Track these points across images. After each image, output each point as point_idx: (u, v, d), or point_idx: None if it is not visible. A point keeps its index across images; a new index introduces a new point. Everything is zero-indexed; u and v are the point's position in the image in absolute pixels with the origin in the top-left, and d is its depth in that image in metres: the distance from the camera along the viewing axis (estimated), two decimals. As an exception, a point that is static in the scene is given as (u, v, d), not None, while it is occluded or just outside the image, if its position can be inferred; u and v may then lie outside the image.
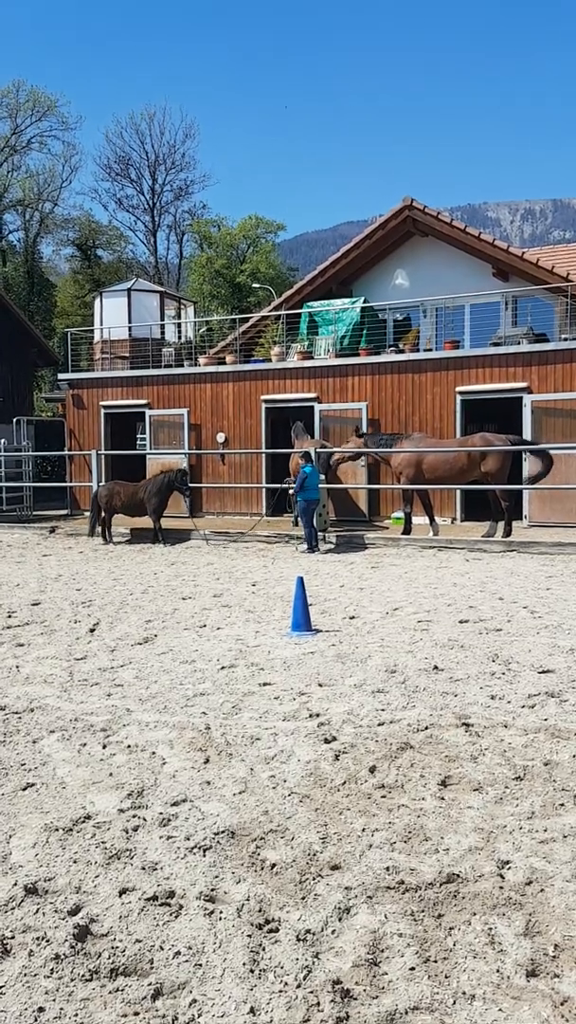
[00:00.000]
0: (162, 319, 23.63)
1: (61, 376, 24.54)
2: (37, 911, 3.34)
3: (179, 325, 24.91)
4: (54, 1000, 2.82)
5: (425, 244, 22.65)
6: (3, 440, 23.58)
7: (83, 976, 2.95)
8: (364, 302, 21.04)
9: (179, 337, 24.65)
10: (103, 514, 17.37)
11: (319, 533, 15.83)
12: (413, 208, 21.40)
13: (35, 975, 2.95)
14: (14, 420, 25.23)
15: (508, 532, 15.24)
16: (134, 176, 54.65)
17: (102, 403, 22.37)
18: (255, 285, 48.12)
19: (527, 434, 17.38)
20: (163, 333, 23.65)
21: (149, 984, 2.89)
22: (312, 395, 19.68)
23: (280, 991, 2.84)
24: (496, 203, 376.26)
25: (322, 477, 16.65)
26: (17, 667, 7.16)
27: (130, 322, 22.87)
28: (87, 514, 17.86)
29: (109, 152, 58.47)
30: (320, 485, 16.06)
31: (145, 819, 4.14)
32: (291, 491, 16.19)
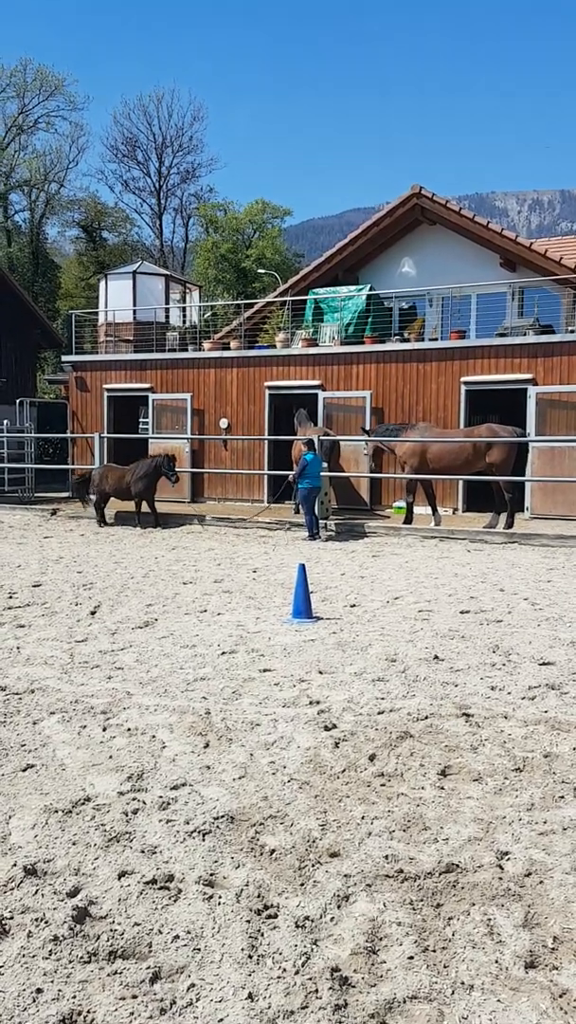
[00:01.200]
0: (167, 303, 23.54)
1: (65, 358, 24.47)
2: (36, 892, 3.34)
3: (184, 309, 24.82)
4: (52, 981, 2.82)
5: (432, 233, 22.54)
6: (5, 421, 23.53)
7: (81, 958, 2.95)
8: (370, 290, 20.96)
9: (184, 321, 24.56)
10: (98, 496, 17.46)
11: (320, 521, 15.81)
12: (421, 196, 21.28)
13: (34, 956, 2.95)
14: (17, 401, 25.18)
15: (510, 524, 15.22)
16: (141, 158, 54.40)
17: (105, 386, 22.32)
18: (261, 270, 47.91)
19: (531, 426, 17.35)
20: (168, 317, 23.57)
21: (147, 967, 2.89)
22: (316, 382, 19.62)
23: (279, 977, 2.84)
24: (504, 193, 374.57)
25: (324, 465, 16.61)
26: (18, 648, 7.15)
27: (135, 305, 22.79)
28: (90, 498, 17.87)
29: (116, 133, 58.19)
30: (322, 473, 16.03)
31: (145, 802, 4.14)
32: (290, 478, 16.17)
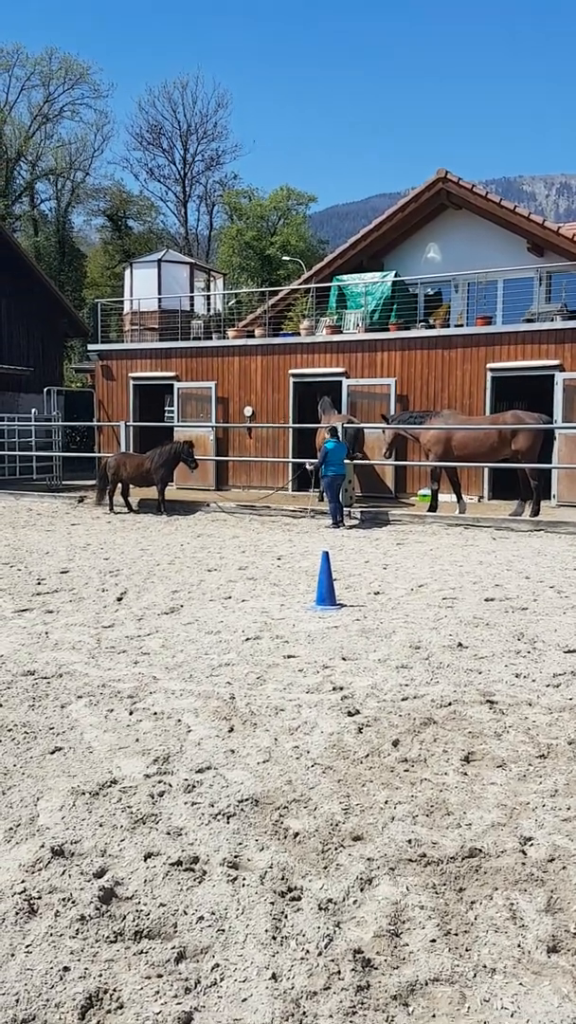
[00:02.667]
0: (192, 291, 23.55)
1: (91, 347, 24.60)
2: (63, 873, 3.40)
3: (208, 297, 24.83)
4: (79, 960, 2.87)
5: (458, 218, 22.34)
6: (33, 410, 23.74)
7: (108, 938, 3.00)
8: (395, 276, 20.83)
9: (208, 309, 24.58)
10: (110, 484, 17.62)
11: (344, 509, 15.81)
12: (447, 181, 21.09)
13: (61, 935, 3.00)
14: (44, 390, 25.36)
15: (536, 511, 15.13)
16: (166, 146, 54.35)
17: (131, 375, 22.41)
18: (285, 258, 47.76)
19: (558, 412, 17.20)
20: (192, 305, 23.59)
21: (173, 947, 2.93)
22: (340, 370, 19.57)
23: (302, 958, 2.87)
24: (532, 176, 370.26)
25: (349, 452, 16.58)
26: (46, 633, 7.24)
27: (160, 293, 22.82)
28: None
29: (141, 121, 58.22)
30: (346, 461, 16.02)
31: (170, 785, 4.18)
32: (309, 466, 16.23)
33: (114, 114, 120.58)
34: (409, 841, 3.61)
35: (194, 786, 4.17)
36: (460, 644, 6.83)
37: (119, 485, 17.74)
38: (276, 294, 24.84)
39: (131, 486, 17.93)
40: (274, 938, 2.98)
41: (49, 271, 42.06)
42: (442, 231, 22.72)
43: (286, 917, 3.11)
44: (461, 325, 19.93)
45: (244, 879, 3.35)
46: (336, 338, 19.68)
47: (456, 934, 3.02)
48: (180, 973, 2.81)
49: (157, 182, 55.86)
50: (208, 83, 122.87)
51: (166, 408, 25.62)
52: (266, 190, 58.33)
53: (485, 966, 2.84)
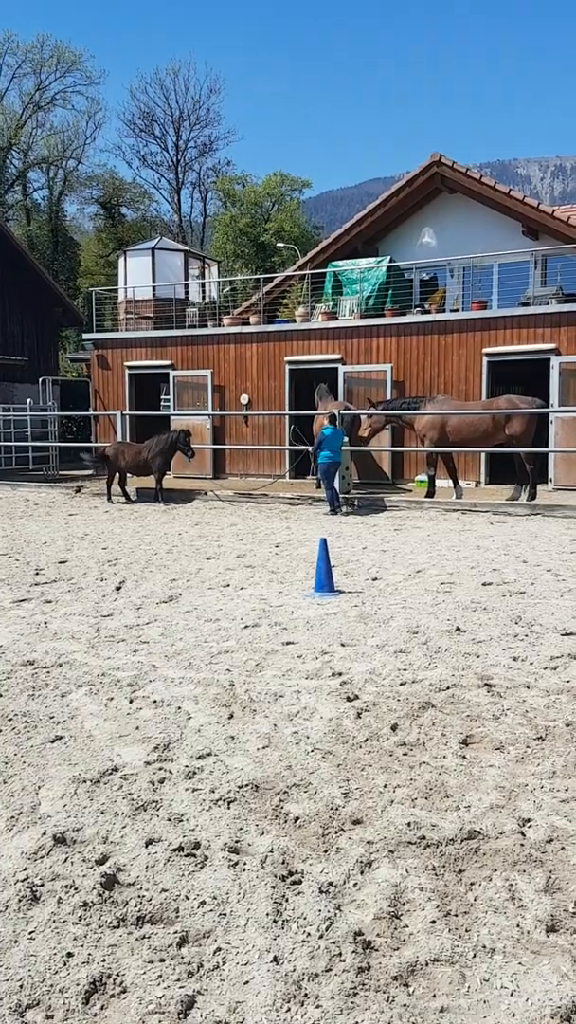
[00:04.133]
0: (186, 279, 23.48)
1: (86, 336, 24.54)
2: (66, 860, 3.42)
3: (203, 285, 24.74)
4: (82, 946, 2.89)
5: (453, 202, 22.26)
6: (29, 400, 23.68)
7: (110, 923, 3.02)
8: (390, 261, 20.76)
9: (203, 297, 24.49)
10: (108, 473, 17.65)
11: (342, 495, 15.83)
12: (441, 164, 21.00)
13: (64, 922, 3.02)
14: (40, 380, 25.29)
15: (533, 495, 15.15)
16: (158, 132, 54.09)
17: (126, 363, 22.36)
18: (279, 244, 47.60)
19: (554, 396, 17.19)
20: (187, 293, 23.51)
21: (175, 932, 2.95)
22: (336, 356, 19.54)
23: (303, 941, 2.90)
24: (526, 159, 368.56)
25: (345, 439, 16.59)
26: (45, 623, 7.25)
27: (154, 282, 22.74)
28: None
29: (133, 108, 57.76)
30: (344, 447, 16.05)
31: (171, 772, 4.21)
32: (309, 450, 16.29)
33: (106, 101, 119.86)
34: (408, 824, 3.64)
35: (194, 772, 4.20)
36: (458, 628, 6.86)
37: (117, 474, 17.74)
38: (271, 281, 24.77)
39: (128, 475, 17.93)
40: (275, 921, 3.00)
41: (42, 260, 41.90)
42: (437, 215, 22.64)
43: (287, 901, 3.13)
44: (457, 310, 19.89)
45: (245, 864, 3.37)
46: (332, 324, 19.64)
47: (456, 915, 3.05)
48: (182, 957, 2.83)
49: (150, 169, 55.72)
50: (200, 69, 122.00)
51: (162, 397, 25.57)
52: (260, 176, 58.16)
53: (485, 946, 2.87)
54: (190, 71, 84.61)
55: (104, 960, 2.82)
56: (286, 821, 3.71)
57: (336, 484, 15.50)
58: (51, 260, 46.47)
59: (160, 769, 4.25)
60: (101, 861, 3.40)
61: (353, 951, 2.83)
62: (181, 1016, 2.56)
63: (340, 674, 5.75)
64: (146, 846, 3.52)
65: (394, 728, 4.75)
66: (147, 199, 55.55)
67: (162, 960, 2.82)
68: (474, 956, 2.82)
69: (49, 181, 51.06)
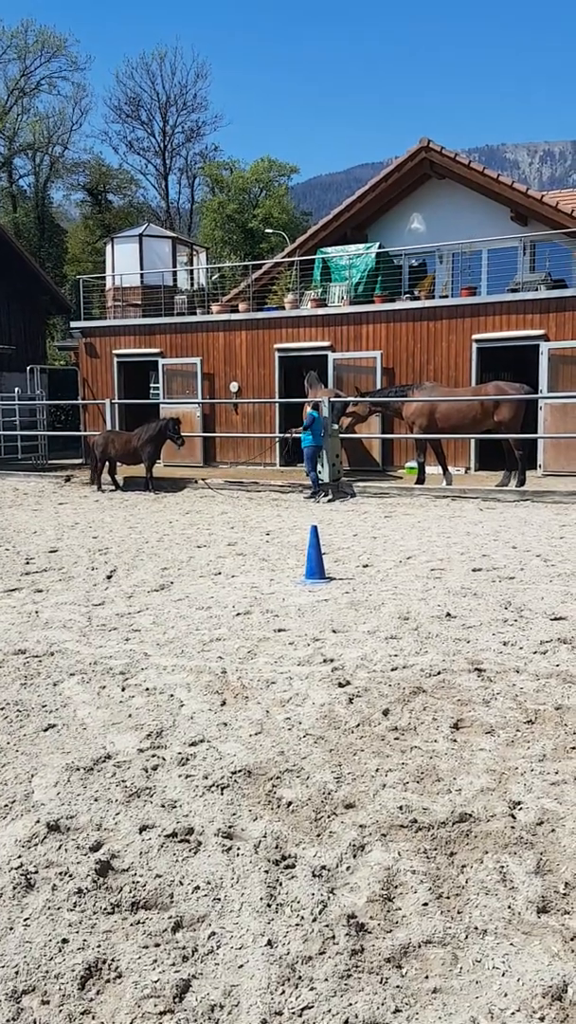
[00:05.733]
0: (174, 266, 23.36)
1: (73, 324, 24.39)
2: (60, 847, 3.43)
3: (191, 272, 24.63)
4: (77, 932, 2.91)
5: (442, 187, 22.21)
6: (17, 389, 23.57)
7: (105, 909, 3.04)
8: (379, 248, 20.72)
9: (191, 284, 24.38)
10: (99, 462, 17.61)
11: (332, 482, 15.91)
12: (430, 149, 20.94)
13: (59, 908, 3.04)
14: (27, 369, 25.18)
15: (522, 481, 15.19)
16: (145, 118, 53.60)
17: (115, 352, 22.26)
18: (268, 230, 47.38)
19: (543, 382, 17.22)
20: (175, 280, 23.40)
21: (169, 917, 2.98)
22: (326, 343, 19.51)
23: (297, 924, 2.92)
24: (514, 145, 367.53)
25: (335, 427, 16.62)
26: (36, 612, 7.25)
27: (142, 269, 22.62)
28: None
29: (119, 93, 57.19)
30: (334, 435, 16.15)
31: (164, 759, 4.22)
32: (293, 431, 16.48)
33: (92, 87, 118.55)
34: (400, 808, 3.67)
35: (187, 759, 4.21)
36: (448, 614, 6.89)
37: (107, 463, 17.71)
38: (260, 268, 24.67)
39: (118, 464, 17.89)
40: (269, 905, 3.03)
41: (29, 248, 41.58)
42: (426, 201, 22.59)
43: (280, 885, 3.16)
44: (446, 296, 19.89)
45: (238, 849, 3.39)
46: (321, 312, 19.60)
47: (448, 897, 3.08)
48: (177, 942, 2.85)
49: (137, 155, 55.24)
50: (187, 54, 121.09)
51: (151, 385, 25.49)
52: (247, 161, 57.74)
53: (476, 928, 2.90)
54: (177, 56, 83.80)
55: (99, 946, 2.84)
56: (279, 806, 3.73)
57: (325, 471, 15.72)
58: (38, 247, 46.13)
59: (153, 756, 4.26)
60: (95, 848, 3.42)
61: (346, 934, 2.85)
62: (176, 1000, 2.58)
63: (332, 660, 5.77)
64: (140, 832, 3.53)
65: (386, 713, 4.77)
66: (134, 185, 55.20)
67: (157, 945, 2.84)
68: (466, 937, 2.85)
69: (35, 168, 50.64)
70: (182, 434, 17.42)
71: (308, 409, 16.12)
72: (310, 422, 15.42)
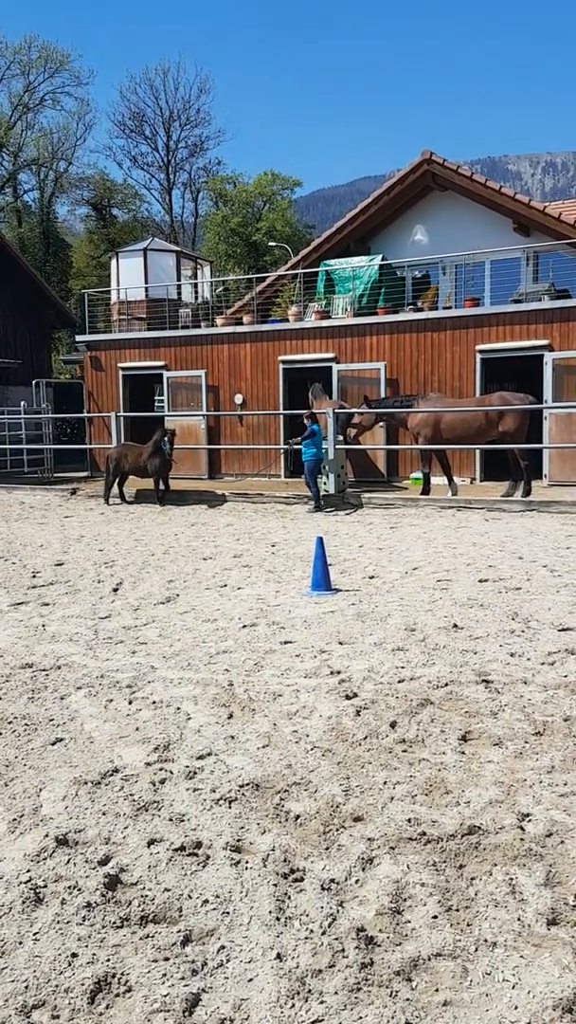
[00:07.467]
0: (178, 279, 23.46)
1: (79, 338, 24.49)
2: (68, 861, 3.43)
3: (196, 285, 24.73)
4: (86, 946, 2.91)
5: (444, 199, 22.30)
6: (23, 402, 23.66)
7: (114, 923, 3.04)
8: (382, 259, 20.79)
9: (196, 297, 24.48)
10: (113, 476, 17.64)
11: (339, 493, 15.97)
12: (432, 162, 21.03)
13: (68, 922, 3.04)
14: (33, 382, 25.25)
15: (528, 491, 15.18)
16: (148, 133, 53.92)
17: (120, 365, 22.34)
18: (271, 243, 47.57)
19: (548, 392, 17.23)
20: (180, 293, 23.50)
21: (178, 931, 2.97)
22: (330, 355, 19.56)
23: (306, 938, 2.92)
24: (517, 156, 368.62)
25: (340, 438, 16.66)
26: (43, 626, 7.26)
27: (147, 282, 22.72)
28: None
29: (123, 108, 57.55)
30: (338, 446, 16.19)
31: (172, 772, 4.22)
32: (292, 443, 16.53)
33: (95, 102, 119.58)
34: (409, 820, 3.66)
35: (195, 772, 4.21)
36: (455, 625, 6.88)
37: (119, 476, 17.77)
38: (263, 280, 24.77)
39: (129, 477, 17.94)
40: (278, 919, 3.02)
41: (34, 262, 41.81)
42: (428, 213, 22.68)
43: (289, 898, 3.15)
44: (449, 307, 19.93)
45: (247, 862, 3.39)
46: (325, 323, 19.65)
47: (457, 910, 3.07)
48: (186, 956, 2.85)
49: (141, 170, 55.52)
50: (190, 69, 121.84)
51: (156, 398, 25.55)
52: (251, 175, 58.09)
53: (486, 940, 2.89)
54: (180, 71, 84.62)
55: (108, 960, 2.84)
56: (287, 819, 3.73)
57: (330, 482, 15.78)
58: (43, 262, 46.36)
59: (161, 769, 4.26)
60: (104, 862, 3.42)
61: (356, 947, 2.85)
62: (186, 1014, 2.58)
63: (339, 672, 5.77)
64: (148, 846, 3.53)
65: (393, 725, 4.77)
66: (138, 200, 55.49)
67: (166, 959, 2.84)
68: (476, 950, 2.84)
69: (40, 183, 50.92)
70: (178, 446, 17.53)
71: (306, 423, 16.16)
72: (309, 434, 15.49)
